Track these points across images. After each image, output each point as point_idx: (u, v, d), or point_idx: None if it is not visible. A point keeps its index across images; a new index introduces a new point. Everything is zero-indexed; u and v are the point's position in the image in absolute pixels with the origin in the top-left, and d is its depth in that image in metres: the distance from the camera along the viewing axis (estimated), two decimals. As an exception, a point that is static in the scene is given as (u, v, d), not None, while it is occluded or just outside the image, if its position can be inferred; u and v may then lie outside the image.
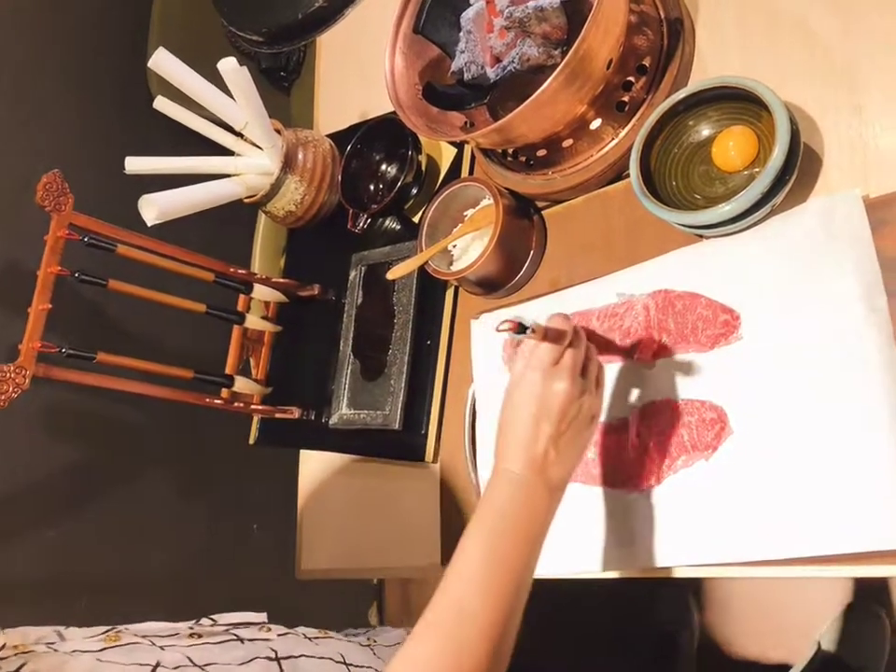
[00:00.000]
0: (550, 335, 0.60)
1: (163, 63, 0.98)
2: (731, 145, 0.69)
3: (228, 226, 1.30)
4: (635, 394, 0.72)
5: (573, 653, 1.40)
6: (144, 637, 0.69)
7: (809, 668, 1.25)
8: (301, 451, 1.10)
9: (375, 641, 0.84)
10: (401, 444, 0.93)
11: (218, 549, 1.47)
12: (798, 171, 0.65)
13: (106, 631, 0.68)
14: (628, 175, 0.73)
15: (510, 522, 0.57)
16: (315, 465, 1.07)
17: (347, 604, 1.69)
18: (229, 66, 0.93)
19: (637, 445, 0.71)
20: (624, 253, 0.80)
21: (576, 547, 0.73)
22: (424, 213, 0.90)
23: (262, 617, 0.80)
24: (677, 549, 0.67)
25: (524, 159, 0.87)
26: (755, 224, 0.68)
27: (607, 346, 0.75)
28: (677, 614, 1.39)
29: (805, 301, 0.64)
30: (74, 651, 0.63)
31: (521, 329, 0.58)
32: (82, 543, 1.38)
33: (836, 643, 1.26)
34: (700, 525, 0.66)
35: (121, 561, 1.42)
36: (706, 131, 0.72)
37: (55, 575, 1.34)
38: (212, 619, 0.79)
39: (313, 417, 1.06)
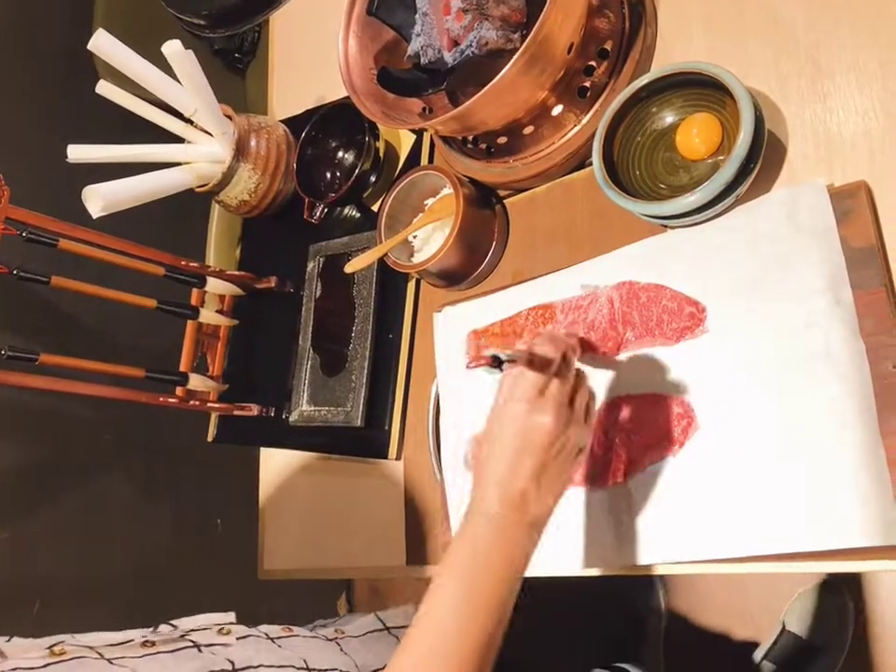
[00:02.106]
0: (536, 363, 0.56)
1: (104, 45, 0.93)
2: (694, 132, 0.67)
3: (182, 217, 1.25)
4: (601, 388, 0.71)
5: (539, 640, 1.40)
6: (92, 648, 0.66)
7: (774, 647, 1.27)
8: (262, 448, 1.07)
9: (343, 633, 0.82)
10: (364, 441, 0.91)
11: (182, 548, 1.43)
12: (762, 160, 0.64)
13: (52, 645, 0.65)
14: (592, 163, 0.71)
15: (485, 564, 0.53)
16: (276, 462, 1.04)
17: (316, 595, 1.67)
18: (173, 49, 0.88)
19: (602, 441, 0.69)
20: (588, 243, 0.78)
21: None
22: (382, 203, 0.87)
23: (230, 617, 0.77)
24: (643, 547, 0.66)
25: (484, 146, 0.84)
26: (720, 214, 0.66)
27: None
28: (644, 597, 1.40)
29: (771, 293, 0.63)
30: (14, 670, 0.60)
31: (496, 362, 0.55)
32: (36, 546, 1.34)
33: (801, 621, 1.27)
34: (667, 522, 0.65)
35: (78, 563, 1.38)
36: (669, 118, 0.70)
37: (6, 580, 1.30)
38: (172, 624, 0.76)
39: (272, 414, 1.03)
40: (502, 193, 0.88)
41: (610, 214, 0.75)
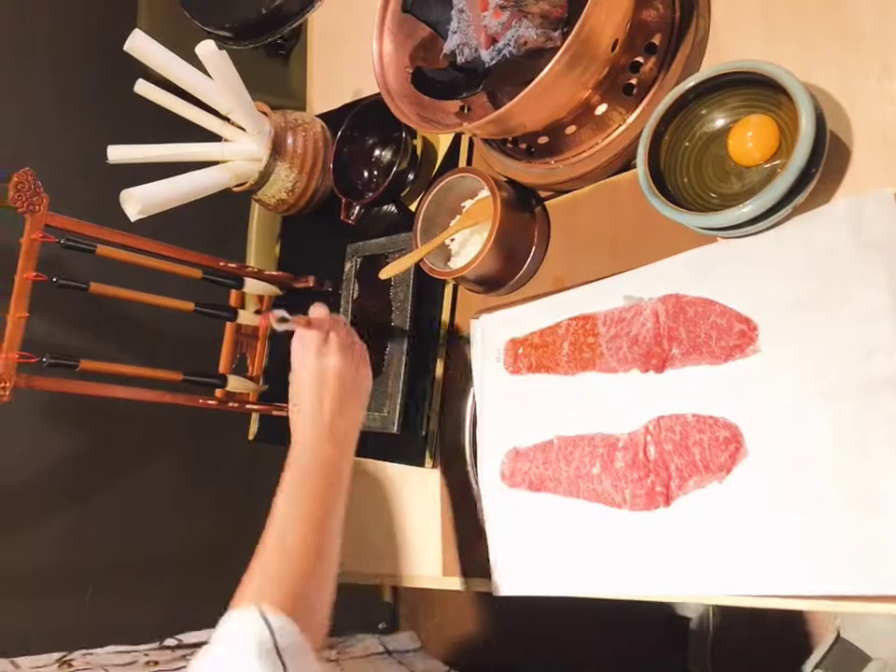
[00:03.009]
0: (313, 323, 0.71)
1: (140, 45, 0.92)
2: (748, 136, 0.63)
3: (223, 217, 1.25)
4: (642, 408, 0.68)
5: (582, 643, 1.38)
6: (99, 666, 0.67)
7: (828, 655, 1.23)
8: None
9: (346, 654, 0.83)
10: (400, 448, 0.90)
11: (225, 539, 1.45)
12: (823, 166, 0.59)
13: (59, 659, 0.66)
14: (637, 164, 0.67)
15: (306, 475, 0.66)
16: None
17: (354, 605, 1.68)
18: (207, 50, 0.86)
19: (644, 463, 0.66)
20: (633, 250, 0.74)
21: (576, 566, 0.69)
22: (418, 206, 0.85)
23: None
24: (685, 576, 0.63)
25: (524, 146, 0.81)
26: (775, 226, 0.62)
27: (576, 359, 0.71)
28: (692, 603, 1.37)
29: (829, 313, 0.58)
30: None
31: (283, 319, 0.69)
32: (88, 533, 1.38)
33: (856, 629, 1.23)
34: (712, 552, 0.61)
35: (128, 550, 1.42)
36: (720, 120, 0.66)
37: (61, 565, 1.34)
38: (177, 639, 0.77)
39: (311, 414, 1.02)
40: (543, 194, 0.84)
41: (656, 219, 0.70)
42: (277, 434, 1.08)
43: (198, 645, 0.73)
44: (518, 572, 0.73)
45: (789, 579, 0.57)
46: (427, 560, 0.86)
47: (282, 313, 0.68)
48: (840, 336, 0.58)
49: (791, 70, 0.60)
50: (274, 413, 1.03)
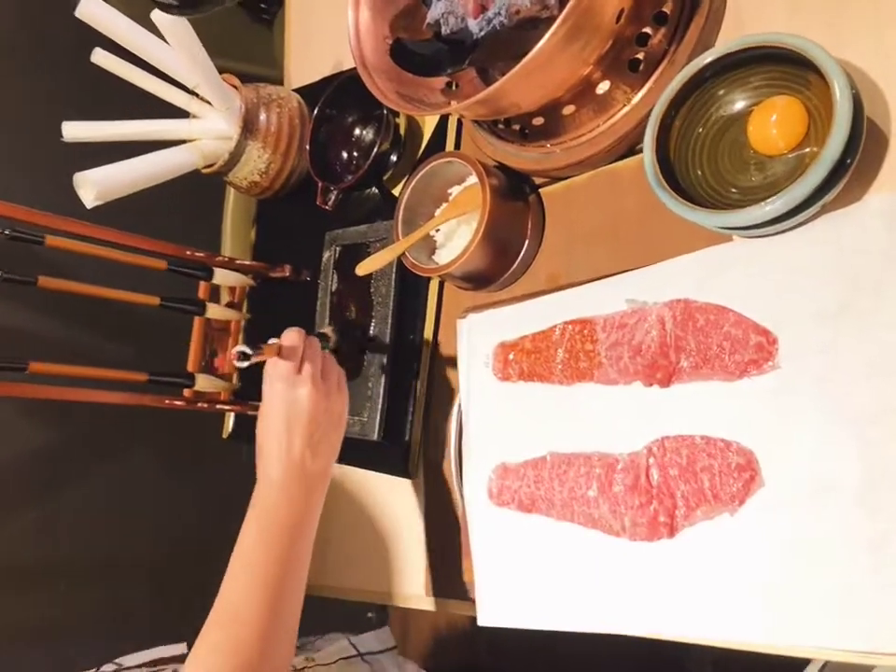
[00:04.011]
0: (284, 352, 0.65)
1: (92, 11, 0.83)
2: (772, 121, 0.55)
3: (195, 201, 1.16)
4: (645, 426, 0.61)
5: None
6: None
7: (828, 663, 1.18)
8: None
9: (313, 661, 0.78)
10: (381, 456, 0.83)
11: (206, 531, 1.40)
12: (860, 156, 0.51)
13: None
14: (642, 151, 0.59)
15: (271, 519, 0.62)
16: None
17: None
18: (164, 18, 0.78)
19: (647, 488, 0.59)
20: (637, 247, 0.66)
21: (567, 597, 0.63)
22: (400, 194, 0.77)
23: (181, 648, 0.73)
24: (688, 617, 0.56)
25: (517, 127, 0.73)
26: (800, 225, 0.54)
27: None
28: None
29: (861, 323, 0.51)
30: None
31: (243, 356, 0.62)
32: (61, 526, 1.32)
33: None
34: (719, 592, 0.55)
35: (103, 544, 1.36)
36: (739, 102, 0.57)
37: (33, 559, 1.29)
38: (116, 663, 0.72)
39: (288, 414, 0.95)
40: (537, 181, 0.76)
41: (663, 212, 0.62)
42: (253, 433, 1.02)
43: (139, 668, 0.69)
44: (504, 601, 0.67)
45: (807, 629, 0.50)
46: (409, 578, 0.80)
47: (242, 349, 0.62)
48: (872, 352, 0.51)
49: (821, 45, 0.52)
50: (249, 412, 0.96)
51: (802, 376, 0.53)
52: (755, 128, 0.55)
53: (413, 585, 0.79)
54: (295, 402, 0.64)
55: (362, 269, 0.74)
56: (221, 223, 1.15)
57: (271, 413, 0.65)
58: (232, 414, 1.05)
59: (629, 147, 0.68)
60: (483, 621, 0.68)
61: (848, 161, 0.51)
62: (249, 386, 1.01)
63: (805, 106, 0.54)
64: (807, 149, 0.54)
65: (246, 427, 1.02)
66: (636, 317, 0.63)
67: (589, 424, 0.64)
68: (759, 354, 0.55)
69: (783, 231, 0.55)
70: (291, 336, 0.66)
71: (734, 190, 0.57)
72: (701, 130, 0.58)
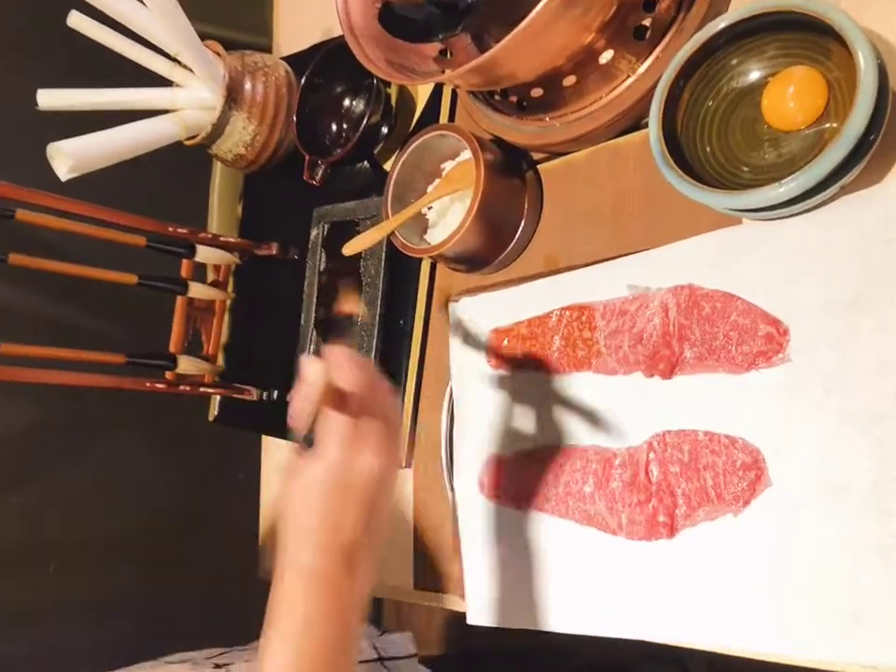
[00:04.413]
0: (336, 401, 0.47)
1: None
2: (789, 93, 0.51)
3: (180, 174, 1.11)
4: (645, 419, 0.57)
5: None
6: None
7: None
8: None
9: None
10: (369, 444, 0.80)
11: (194, 513, 1.37)
12: (884, 132, 0.47)
13: None
14: (647, 126, 0.55)
15: (315, 629, 0.46)
16: (280, 451, 0.94)
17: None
18: (139, -24, 0.73)
19: (646, 485, 0.56)
20: (640, 228, 0.62)
21: (560, 597, 0.60)
22: (391, 169, 0.73)
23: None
24: (686, 621, 0.53)
25: (515, 99, 0.68)
26: (816, 207, 0.50)
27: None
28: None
29: (881, 315, 0.48)
30: None
31: (309, 444, 0.47)
32: (47, 508, 1.29)
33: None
34: (721, 596, 0.52)
35: (91, 525, 1.33)
36: (754, 73, 0.53)
37: (20, 541, 1.26)
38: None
39: (276, 397, 0.92)
40: (535, 157, 0.72)
41: (669, 192, 0.58)
42: (240, 416, 0.99)
43: None
44: (494, 599, 0.64)
45: (815, 639, 0.47)
46: (396, 569, 0.77)
47: (300, 435, 0.47)
48: (890, 346, 0.47)
49: (844, 10, 0.47)
50: (234, 395, 0.93)
51: (813, 370, 0.50)
52: (770, 101, 0.51)
53: (400, 577, 0.76)
54: (351, 471, 0.47)
55: (349, 248, 0.71)
56: (207, 199, 1.10)
57: (316, 477, 0.47)
58: (218, 398, 1.02)
59: (634, 122, 0.64)
60: (472, 619, 0.65)
61: (871, 137, 0.47)
62: (235, 368, 0.98)
63: (825, 78, 0.50)
64: (827, 125, 0.50)
65: (233, 409, 0.99)
66: (637, 304, 0.59)
67: (586, 416, 0.61)
68: (768, 345, 0.52)
69: (797, 214, 0.51)
70: (346, 371, 0.47)
71: (745, 169, 0.53)
72: (711, 103, 0.54)
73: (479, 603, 0.65)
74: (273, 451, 0.94)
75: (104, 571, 1.34)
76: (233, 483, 1.25)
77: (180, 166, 1.08)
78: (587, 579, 0.59)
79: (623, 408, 0.59)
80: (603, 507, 0.59)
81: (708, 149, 0.54)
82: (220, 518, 1.33)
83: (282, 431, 0.91)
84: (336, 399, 0.46)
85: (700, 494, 0.54)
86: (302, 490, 0.47)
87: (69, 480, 1.31)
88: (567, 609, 0.60)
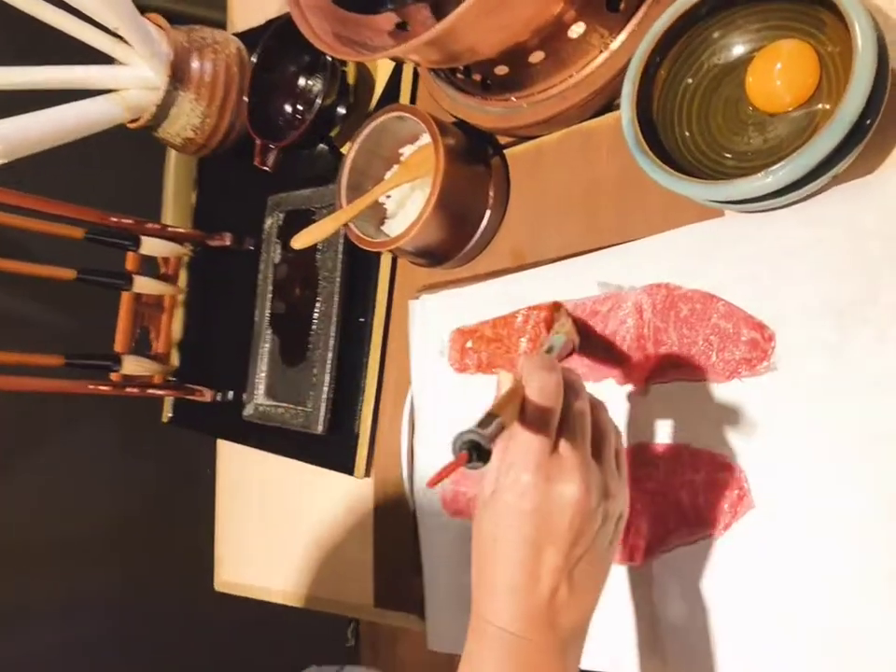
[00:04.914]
0: (531, 414, 0.38)
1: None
2: (776, 70, 0.45)
3: (131, 159, 1.05)
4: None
5: None
6: None
7: None
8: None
9: None
10: (326, 451, 0.74)
11: (161, 511, 1.32)
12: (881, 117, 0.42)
13: None
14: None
15: None
16: (235, 455, 0.88)
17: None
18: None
19: (618, 504, 0.51)
20: (614, 220, 0.57)
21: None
22: (346, 154, 0.67)
23: None
24: (658, 653, 0.49)
25: (478, 77, 0.62)
26: (806, 199, 0.45)
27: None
28: None
29: (877, 323, 0.43)
30: None
31: (475, 450, 0.33)
32: (13, 509, 1.23)
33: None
34: (694, 628, 0.47)
35: (54, 523, 1.28)
36: (738, 47, 0.48)
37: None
38: None
39: (230, 399, 0.86)
40: (502, 141, 0.66)
41: (645, 181, 0.53)
42: (195, 418, 0.93)
43: None
44: (457, 624, 0.59)
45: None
46: (356, 585, 0.72)
47: (469, 435, 0.33)
48: (890, 355, 0.42)
49: (842, -24, 0.42)
50: (187, 396, 0.87)
51: (802, 381, 0.45)
52: (755, 79, 0.46)
53: (359, 594, 0.71)
54: (550, 506, 0.38)
55: (298, 241, 0.65)
56: (162, 186, 1.04)
57: (502, 524, 0.39)
58: (172, 398, 0.96)
59: (607, 102, 0.58)
60: (433, 645, 0.60)
61: (868, 121, 0.42)
62: (190, 367, 0.92)
63: (817, 53, 0.45)
64: (818, 106, 0.45)
65: (187, 411, 0.93)
66: (609, 304, 0.54)
67: (554, 426, 0.56)
68: (752, 352, 0.47)
69: (785, 206, 0.46)
70: (541, 380, 0.39)
71: (728, 156, 0.47)
72: (691, 81, 0.49)
73: (440, 628, 0.60)
74: (229, 455, 0.88)
75: (69, 571, 1.29)
76: (199, 480, 1.19)
77: (132, 152, 1.02)
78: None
79: (593, 418, 0.54)
80: (572, 526, 0.53)
81: (687, 134, 0.48)
82: (186, 517, 1.27)
83: (235, 435, 0.86)
84: (532, 415, 0.38)
85: (676, 515, 0.49)
86: (489, 527, 0.39)
87: (32, 481, 1.25)
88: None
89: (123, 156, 1.08)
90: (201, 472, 0.96)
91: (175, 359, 0.93)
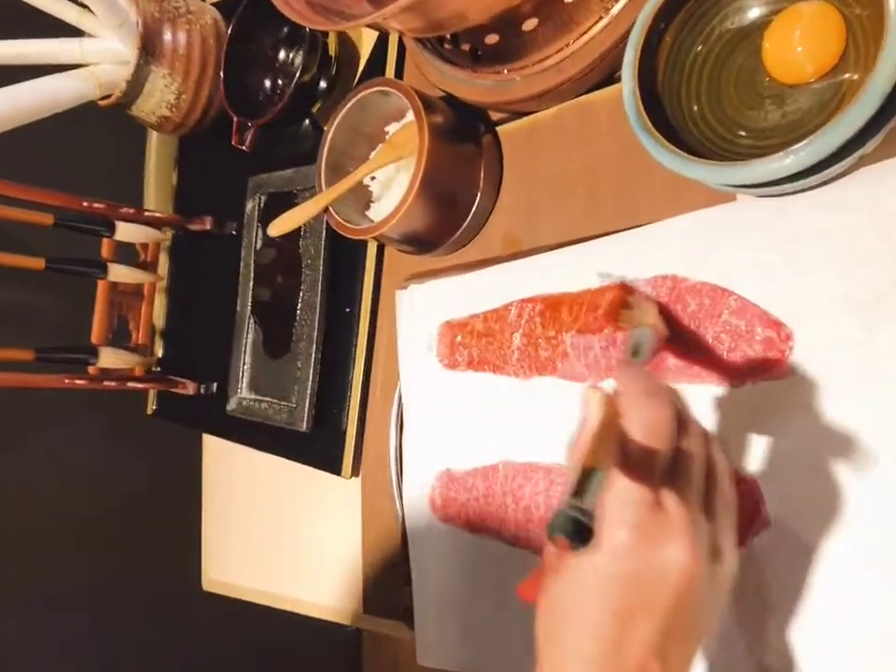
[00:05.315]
0: (632, 461, 0.31)
1: None
2: (797, 36, 0.40)
3: (110, 140, 1.00)
4: (619, 437, 0.48)
5: None
6: None
7: None
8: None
9: None
10: (312, 450, 0.70)
11: (152, 502, 1.29)
12: (916, 89, 0.37)
13: None
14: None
15: None
16: (220, 450, 0.84)
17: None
18: None
19: (619, 516, 0.47)
20: (615, 204, 0.52)
21: (519, 641, 0.51)
22: (325, 133, 0.62)
23: None
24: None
25: (468, 47, 0.57)
26: (829, 182, 0.40)
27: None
28: None
29: (909, 321, 0.38)
30: None
31: (577, 532, 0.27)
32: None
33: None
34: (705, 647, 0.43)
35: (40, 514, 1.25)
36: (754, 10, 0.42)
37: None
38: None
39: (214, 391, 0.82)
40: (494, 117, 0.61)
41: (649, 161, 0.48)
42: (179, 411, 0.89)
43: None
44: (446, 637, 0.56)
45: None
46: (345, 591, 0.68)
47: (574, 513, 0.27)
48: (920, 357, 0.38)
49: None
50: (169, 389, 0.83)
51: (823, 386, 0.40)
52: (773, 45, 0.41)
53: (345, 599, 0.68)
54: (649, 573, 0.32)
55: (275, 228, 0.60)
56: (143, 168, 0.99)
57: (590, 584, 0.32)
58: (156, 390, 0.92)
59: (607, 75, 0.53)
60: (422, 660, 0.57)
61: (901, 96, 0.37)
62: (174, 358, 0.88)
63: (843, 15, 0.39)
64: (844, 76, 0.40)
65: (171, 403, 0.89)
66: (610, 297, 0.49)
67: (549, 428, 0.52)
68: (767, 352, 0.42)
69: (806, 190, 0.41)
70: (648, 413, 0.33)
71: (742, 133, 0.42)
72: (700, 48, 0.43)
73: (429, 641, 0.56)
74: (215, 450, 0.85)
75: (56, 561, 1.26)
76: (186, 475, 1.16)
77: (112, 133, 0.97)
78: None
79: (592, 422, 0.49)
80: (569, 538, 0.49)
81: (696, 108, 0.43)
82: (173, 512, 1.24)
83: (219, 430, 0.82)
84: (635, 459, 0.31)
85: (683, 530, 0.44)
86: (569, 590, 0.33)
87: (20, 469, 1.22)
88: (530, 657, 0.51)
89: (102, 137, 1.03)
90: (188, 466, 0.92)
91: (159, 350, 0.90)
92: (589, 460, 0.29)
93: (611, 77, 0.53)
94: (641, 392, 0.33)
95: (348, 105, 0.60)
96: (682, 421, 0.34)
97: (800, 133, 0.39)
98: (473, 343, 0.56)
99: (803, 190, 0.41)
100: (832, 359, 0.40)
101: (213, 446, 0.86)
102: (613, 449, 0.31)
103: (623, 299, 0.47)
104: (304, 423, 0.68)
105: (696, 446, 0.34)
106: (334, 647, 1.36)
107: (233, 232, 0.82)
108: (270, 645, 1.33)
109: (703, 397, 0.44)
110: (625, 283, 0.47)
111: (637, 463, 0.32)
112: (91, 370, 0.78)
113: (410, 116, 0.60)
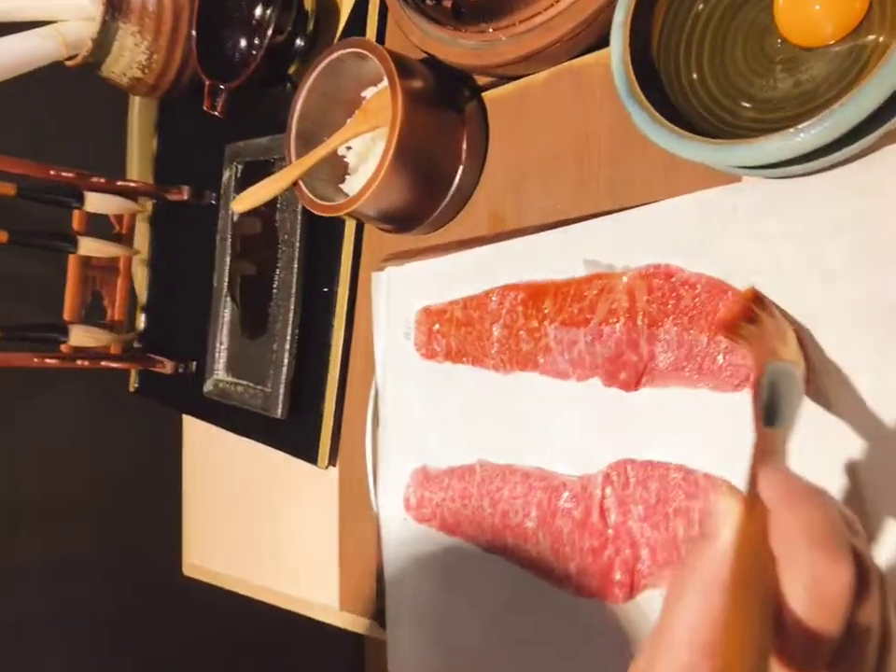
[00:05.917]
0: (793, 647, 0.20)
1: None
2: (815, -9, 0.34)
3: (87, 103, 0.95)
4: (603, 441, 0.44)
5: None
6: None
7: None
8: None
9: None
10: (288, 437, 0.67)
11: (140, 476, 1.27)
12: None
13: None
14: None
15: None
16: (200, 430, 0.81)
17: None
18: None
19: (601, 528, 0.43)
20: (608, 182, 0.47)
21: (493, 655, 0.48)
22: (294, 99, 0.57)
23: None
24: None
25: (449, 4, 0.52)
26: (847, 162, 0.35)
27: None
28: None
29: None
30: None
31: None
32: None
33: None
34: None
35: (35, 486, 1.24)
36: (767, -41, 0.37)
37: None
38: None
39: (194, 370, 0.79)
40: (480, 82, 0.56)
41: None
42: (160, 390, 0.86)
43: None
44: (421, 645, 0.52)
45: None
46: (321, 585, 0.65)
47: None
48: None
49: None
50: (147, 367, 0.80)
51: (837, 399, 0.36)
52: (787, 1, 0.35)
53: (321, 594, 0.65)
54: None
55: (240, 203, 0.55)
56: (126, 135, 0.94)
57: None
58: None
59: (599, 35, 0.47)
60: (392, 666, 0.54)
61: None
62: (155, 334, 0.85)
63: (870, -33, 0.34)
64: (868, 38, 0.34)
65: (153, 381, 0.86)
66: (597, 287, 0.44)
67: (529, 428, 0.47)
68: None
69: (819, 171, 0.36)
70: (819, 581, 0.20)
71: (747, 105, 0.37)
72: (702, 6, 0.38)
73: (403, 648, 0.53)
74: (195, 431, 0.82)
75: (50, 537, 1.26)
76: (169, 454, 1.14)
77: (95, 98, 0.92)
78: (529, 638, 0.46)
79: (575, 423, 0.45)
80: (547, 548, 0.46)
81: (695, 76, 0.38)
82: (155, 493, 1.22)
83: (197, 411, 0.79)
84: (797, 646, 0.20)
85: (669, 548, 0.40)
86: None
87: (8, 444, 1.20)
88: (505, 666, 0.48)
89: (80, 102, 0.98)
90: (172, 445, 0.89)
91: (142, 325, 0.86)
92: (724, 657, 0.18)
93: (607, 39, 0.47)
94: (804, 529, 0.21)
95: (318, 69, 0.55)
96: (859, 571, 0.22)
97: (815, 104, 0.34)
98: (452, 332, 0.52)
99: (816, 172, 0.36)
100: (848, 368, 0.35)
101: (194, 427, 0.82)
102: (760, 622, 0.19)
103: (748, 309, 0.36)
104: (279, 410, 0.64)
105: (874, 612, 0.23)
106: (337, 642, 1.35)
107: (212, 203, 0.78)
108: (272, 640, 1.33)
109: (696, 401, 0.40)
110: (755, 290, 0.37)
111: (799, 654, 0.20)
112: (63, 348, 0.74)
113: (387, 80, 0.55)
